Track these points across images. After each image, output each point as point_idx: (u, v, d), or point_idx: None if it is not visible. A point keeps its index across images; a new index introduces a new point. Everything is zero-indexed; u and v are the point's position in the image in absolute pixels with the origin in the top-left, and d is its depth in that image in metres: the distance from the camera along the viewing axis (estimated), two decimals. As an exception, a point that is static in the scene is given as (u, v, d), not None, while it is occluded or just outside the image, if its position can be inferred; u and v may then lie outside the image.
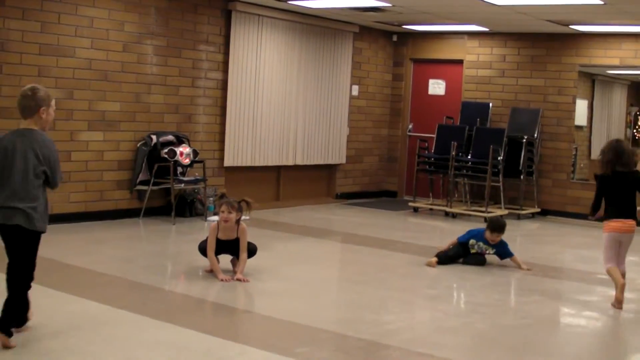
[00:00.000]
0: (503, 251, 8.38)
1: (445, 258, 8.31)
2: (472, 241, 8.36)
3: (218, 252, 7.22)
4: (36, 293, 6.33)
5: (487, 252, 8.37)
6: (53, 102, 5.26)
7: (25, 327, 5.22)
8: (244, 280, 7.05)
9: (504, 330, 6.16)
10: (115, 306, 6.13)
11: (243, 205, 7.23)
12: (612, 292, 7.72)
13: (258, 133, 11.76)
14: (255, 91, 11.65)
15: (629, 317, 6.90)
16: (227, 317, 6.28)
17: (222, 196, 7.28)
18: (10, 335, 4.92)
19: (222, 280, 7.02)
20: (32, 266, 5.05)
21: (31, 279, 5.07)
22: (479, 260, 8.34)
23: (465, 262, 8.33)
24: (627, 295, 7.71)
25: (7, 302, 4.97)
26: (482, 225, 11.46)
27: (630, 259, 9.83)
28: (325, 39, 12.77)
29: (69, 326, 5.55)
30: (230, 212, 7.07)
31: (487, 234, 8.34)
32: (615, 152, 6.84)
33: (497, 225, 8.37)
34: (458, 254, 8.41)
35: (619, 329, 6.47)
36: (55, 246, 8.18)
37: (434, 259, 8.22)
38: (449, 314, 6.59)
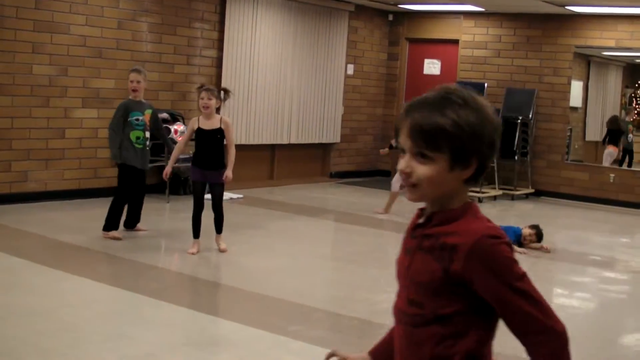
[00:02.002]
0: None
1: None
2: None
3: (201, 144, 7.21)
4: (29, 270, 6.34)
5: None
6: (130, 75, 7.68)
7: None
8: (221, 250, 7.30)
9: (497, 310, 6.18)
10: (108, 284, 6.14)
11: (222, 94, 7.33)
12: (605, 274, 7.77)
13: (253, 111, 11.74)
14: (250, 69, 11.62)
15: (622, 298, 6.94)
16: (221, 295, 6.29)
17: (202, 86, 7.35)
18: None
19: (164, 176, 7.48)
20: (120, 186, 7.82)
21: (122, 194, 7.73)
22: None
23: None
24: (621, 276, 7.75)
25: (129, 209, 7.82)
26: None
27: (622, 240, 9.89)
28: (321, 17, 12.73)
29: (62, 304, 5.56)
30: (210, 99, 7.13)
31: (527, 234, 8.43)
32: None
33: (541, 233, 8.50)
34: None
35: (612, 310, 6.50)
36: (49, 223, 8.18)
37: None
38: (442, 294, 6.61)
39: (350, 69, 13.52)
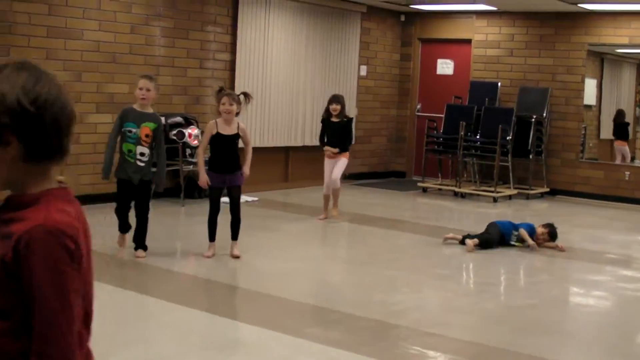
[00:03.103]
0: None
1: (486, 242, 8.19)
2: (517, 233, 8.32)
3: (219, 148, 7.19)
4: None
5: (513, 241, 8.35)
6: (140, 82, 6.97)
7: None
8: (233, 256, 7.21)
9: (513, 310, 6.17)
10: (123, 287, 6.16)
11: (242, 98, 7.31)
12: (622, 272, 7.73)
13: (266, 114, 11.75)
14: (264, 72, 11.63)
15: (638, 296, 6.90)
16: (237, 298, 6.30)
17: (221, 89, 7.31)
18: (146, 249, 7.13)
19: (200, 185, 7.34)
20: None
21: (117, 203, 7.32)
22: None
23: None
24: (638, 274, 7.72)
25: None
26: (491, 205, 11.43)
27: (639, 238, 9.84)
28: (333, 19, 12.73)
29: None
30: (231, 104, 7.10)
31: (540, 232, 8.36)
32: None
33: (554, 233, 8.41)
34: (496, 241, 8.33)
35: (629, 309, 6.47)
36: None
37: (472, 242, 8.02)
38: (458, 294, 6.60)
39: (363, 70, 13.52)
